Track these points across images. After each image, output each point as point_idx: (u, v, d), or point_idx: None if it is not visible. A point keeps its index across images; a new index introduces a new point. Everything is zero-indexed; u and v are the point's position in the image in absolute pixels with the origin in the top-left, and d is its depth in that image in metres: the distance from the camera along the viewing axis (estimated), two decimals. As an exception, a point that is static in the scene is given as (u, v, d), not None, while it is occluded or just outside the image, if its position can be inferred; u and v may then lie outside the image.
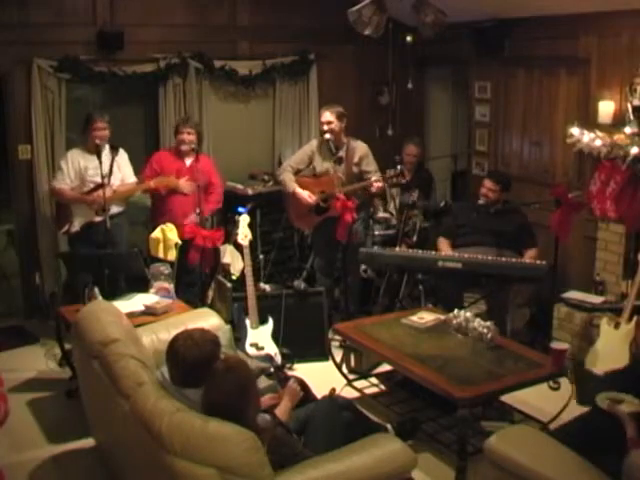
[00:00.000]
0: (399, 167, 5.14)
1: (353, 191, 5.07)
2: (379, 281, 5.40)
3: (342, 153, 5.08)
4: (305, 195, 5.08)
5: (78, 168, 4.84)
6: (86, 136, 4.83)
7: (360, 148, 5.19)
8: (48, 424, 3.93)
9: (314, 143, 5.27)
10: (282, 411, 3.05)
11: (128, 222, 5.15)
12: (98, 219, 4.79)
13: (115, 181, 4.87)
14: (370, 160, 5.19)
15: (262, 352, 4.41)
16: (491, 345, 3.88)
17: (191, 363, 2.74)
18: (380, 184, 5.03)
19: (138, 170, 5.09)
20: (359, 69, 6.56)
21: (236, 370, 2.63)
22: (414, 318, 4.30)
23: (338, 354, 4.55)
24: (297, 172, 5.20)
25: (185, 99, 5.78)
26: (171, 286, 4.48)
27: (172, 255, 4.73)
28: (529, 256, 4.81)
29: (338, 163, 5.07)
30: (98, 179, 4.68)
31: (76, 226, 4.86)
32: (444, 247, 5.06)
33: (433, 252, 4.90)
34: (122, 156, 4.95)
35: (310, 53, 6.21)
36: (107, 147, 4.85)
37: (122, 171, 4.94)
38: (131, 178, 5.02)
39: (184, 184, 4.91)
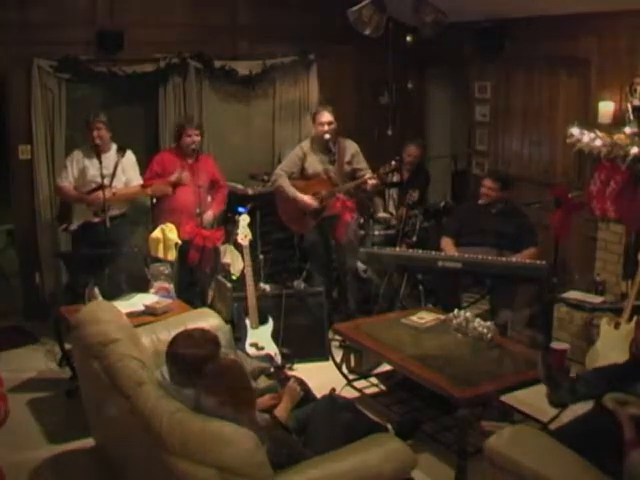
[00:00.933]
0: (393, 162, 5.15)
1: (349, 190, 5.09)
2: (379, 281, 5.41)
3: (335, 152, 5.10)
4: (307, 200, 5.07)
5: (82, 168, 4.85)
6: (87, 137, 4.84)
7: (350, 146, 5.20)
8: (48, 424, 3.92)
9: (305, 145, 5.25)
10: (282, 411, 3.05)
11: (130, 224, 5.14)
12: (96, 219, 4.80)
13: (118, 183, 4.85)
14: (361, 158, 5.21)
15: (262, 352, 4.41)
16: (491, 345, 3.88)
17: (191, 363, 2.74)
18: (375, 181, 5.05)
19: (141, 170, 5.08)
20: (359, 69, 6.56)
21: (228, 372, 2.61)
22: (414, 318, 4.30)
23: (338, 354, 4.55)
24: (289, 176, 5.18)
25: (185, 99, 5.78)
26: (171, 286, 4.48)
27: (172, 255, 4.74)
28: (526, 254, 4.81)
29: (332, 163, 5.08)
30: (100, 180, 4.69)
31: (74, 225, 4.87)
32: (448, 247, 5.06)
33: (433, 252, 4.91)
34: (129, 158, 4.93)
35: (310, 53, 6.21)
36: (114, 148, 4.86)
37: (127, 173, 4.92)
38: (135, 181, 5.00)
39: (184, 176, 4.90)
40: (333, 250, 5.21)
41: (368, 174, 5.05)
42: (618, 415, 2.71)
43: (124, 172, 4.89)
